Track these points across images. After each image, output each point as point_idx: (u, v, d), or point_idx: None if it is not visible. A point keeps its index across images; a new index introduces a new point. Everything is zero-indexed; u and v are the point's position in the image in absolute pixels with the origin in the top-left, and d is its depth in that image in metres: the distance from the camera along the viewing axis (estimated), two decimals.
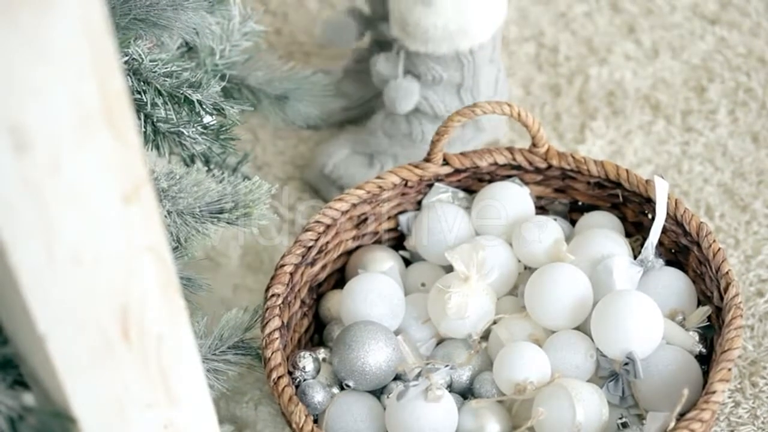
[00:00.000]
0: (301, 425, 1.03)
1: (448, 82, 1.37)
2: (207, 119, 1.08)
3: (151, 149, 1.07)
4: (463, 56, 1.35)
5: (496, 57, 1.40)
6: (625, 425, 1.08)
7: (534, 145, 1.23)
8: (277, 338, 1.09)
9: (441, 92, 1.38)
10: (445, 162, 1.24)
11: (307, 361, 1.13)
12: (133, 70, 1.03)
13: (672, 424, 1.02)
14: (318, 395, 1.11)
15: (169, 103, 1.04)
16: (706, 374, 1.10)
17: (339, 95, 1.50)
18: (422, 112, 1.39)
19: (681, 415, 1.02)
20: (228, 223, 1.05)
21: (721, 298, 1.10)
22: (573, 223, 1.27)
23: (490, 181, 1.26)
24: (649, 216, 1.20)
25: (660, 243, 1.19)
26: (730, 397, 1.21)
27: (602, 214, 1.24)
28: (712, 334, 1.14)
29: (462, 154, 1.24)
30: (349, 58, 1.54)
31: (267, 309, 1.12)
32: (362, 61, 1.52)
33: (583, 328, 1.14)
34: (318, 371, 1.14)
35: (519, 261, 1.21)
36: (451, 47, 1.33)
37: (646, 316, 1.08)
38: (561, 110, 1.53)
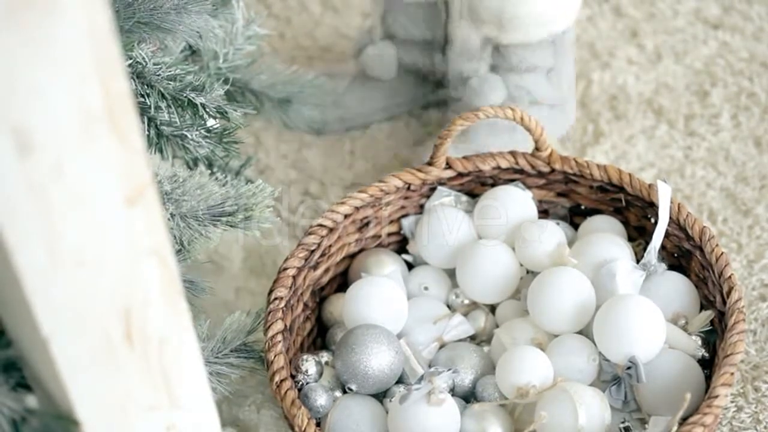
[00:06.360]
0: (303, 428, 1.03)
1: (541, 68, 1.39)
2: (210, 122, 1.08)
3: (155, 152, 1.07)
4: (557, 39, 1.37)
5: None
6: (627, 429, 1.08)
7: (537, 149, 1.23)
8: (279, 341, 1.09)
9: (533, 78, 1.39)
10: (448, 165, 1.24)
11: (309, 365, 1.13)
12: (137, 74, 1.03)
13: (674, 429, 1.02)
14: (320, 398, 1.11)
15: (172, 106, 1.04)
16: (708, 379, 1.10)
17: (338, 105, 1.51)
18: (516, 101, 1.40)
19: (683, 420, 1.02)
20: (230, 226, 1.05)
21: (724, 303, 1.10)
22: (575, 227, 1.27)
23: (493, 185, 1.26)
24: (652, 220, 1.20)
25: (663, 247, 1.19)
26: (732, 402, 1.21)
27: (605, 218, 1.24)
28: (714, 338, 1.14)
29: (465, 157, 1.24)
30: (355, 66, 1.54)
31: (270, 312, 1.12)
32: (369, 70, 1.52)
33: (585, 332, 1.14)
34: (320, 374, 1.14)
35: (521, 265, 1.21)
36: (548, 32, 1.36)
37: (649, 321, 1.08)
38: None
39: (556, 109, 1.42)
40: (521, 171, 1.25)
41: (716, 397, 1.01)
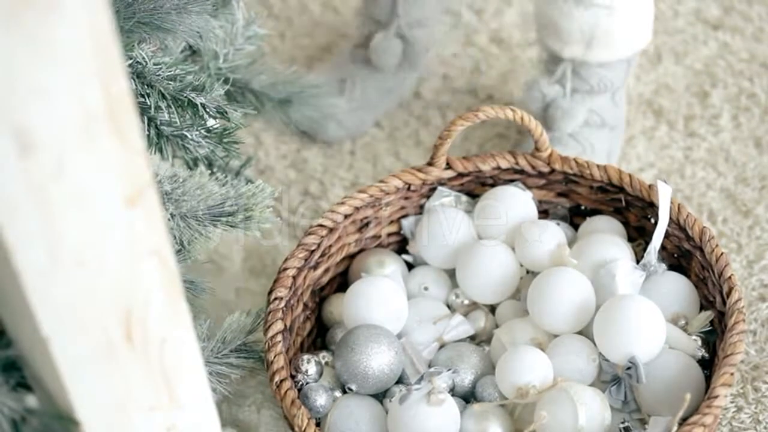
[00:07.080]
0: (303, 429, 1.03)
1: (611, 90, 1.40)
2: (210, 123, 1.08)
3: (155, 152, 1.07)
4: (634, 56, 1.39)
5: None
6: (627, 429, 1.08)
7: (537, 149, 1.23)
8: (279, 341, 1.09)
9: (601, 100, 1.40)
10: (448, 166, 1.24)
11: (309, 365, 1.13)
12: (137, 74, 1.03)
13: (674, 429, 1.02)
14: (320, 399, 1.11)
15: (172, 106, 1.04)
16: (708, 379, 1.10)
17: (338, 114, 1.51)
18: (589, 126, 1.41)
19: (683, 420, 1.02)
20: (230, 226, 1.05)
21: (724, 303, 1.10)
22: (576, 227, 1.27)
23: (493, 185, 1.26)
24: (652, 221, 1.20)
25: (663, 247, 1.19)
26: (732, 402, 1.21)
27: (605, 218, 1.24)
28: (714, 338, 1.14)
29: (465, 157, 1.24)
30: (353, 63, 1.54)
31: (270, 312, 1.12)
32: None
33: (585, 332, 1.14)
34: (320, 375, 1.14)
35: (521, 265, 1.21)
36: (635, 48, 1.38)
37: (649, 321, 1.08)
38: None
39: (615, 130, 1.43)
40: (521, 171, 1.25)
41: (716, 397, 1.01)
